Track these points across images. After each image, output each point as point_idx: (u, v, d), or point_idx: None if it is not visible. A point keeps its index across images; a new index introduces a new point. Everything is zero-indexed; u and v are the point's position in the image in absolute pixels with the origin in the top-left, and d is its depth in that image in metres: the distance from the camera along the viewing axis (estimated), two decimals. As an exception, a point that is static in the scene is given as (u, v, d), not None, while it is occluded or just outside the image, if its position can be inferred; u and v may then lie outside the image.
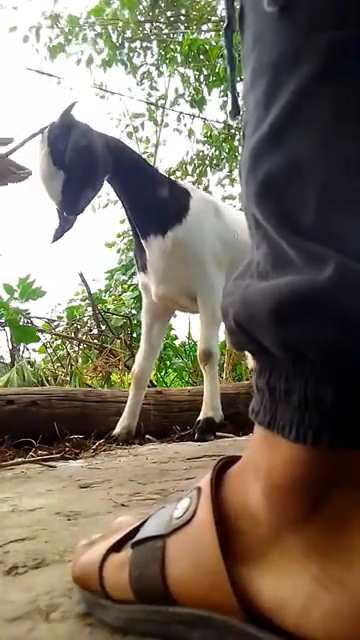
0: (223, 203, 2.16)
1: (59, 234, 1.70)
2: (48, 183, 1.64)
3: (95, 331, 4.06)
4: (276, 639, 0.29)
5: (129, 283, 4.81)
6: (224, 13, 0.41)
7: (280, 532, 0.31)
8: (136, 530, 0.40)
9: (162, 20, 5.79)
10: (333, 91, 0.29)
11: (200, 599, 0.32)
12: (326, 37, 0.28)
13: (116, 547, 0.40)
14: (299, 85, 0.29)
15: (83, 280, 4.04)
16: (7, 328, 3.15)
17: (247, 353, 2.22)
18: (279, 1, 0.30)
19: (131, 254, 3.55)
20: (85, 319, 4.32)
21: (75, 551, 0.45)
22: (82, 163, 1.63)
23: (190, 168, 6.16)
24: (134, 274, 2.08)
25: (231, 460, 0.37)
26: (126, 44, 5.59)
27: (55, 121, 1.65)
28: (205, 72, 5.67)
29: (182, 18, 5.78)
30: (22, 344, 3.35)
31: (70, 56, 5.57)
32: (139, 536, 0.38)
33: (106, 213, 6.00)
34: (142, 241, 1.81)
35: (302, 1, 0.30)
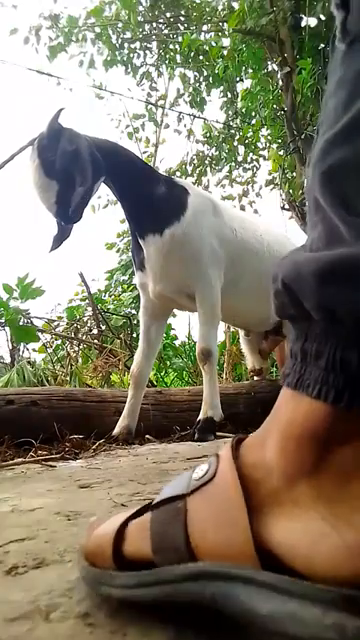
0: (222, 201, 2.15)
1: (57, 243, 1.69)
2: (42, 195, 1.63)
3: (95, 331, 4.07)
4: (286, 580, 0.30)
5: (129, 283, 4.82)
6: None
7: (293, 480, 0.33)
8: (150, 504, 0.41)
9: (162, 21, 5.79)
10: None
11: (219, 549, 0.34)
12: None
13: (136, 516, 0.41)
14: None
15: (83, 280, 4.05)
16: (7, 328, 3.15)
17: (246, 355, 2.19)
18: (346, 40, 0.37)
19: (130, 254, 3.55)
20: (85, 319, 4.32)
21: (88, 528, 0.46)
22: (72, 169, 1.61)
23: (190, 168, 6.16)
24: (134, 274, 2.08)
25: (245, 437, 0.39)
26: (126, 45, 5.60)
27: (43, 132, 1.64)
28: (205, 72, 5.67)
29: (182, 18, 5.78)
30: (22, 344, 3.35)
31: (72, 57, 5.58)
32: (157, 499, 0.40)
33: (106, 213, 6.00)
34: (140, 240, 1.80)
35: None
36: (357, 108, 0.35)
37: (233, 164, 6.10)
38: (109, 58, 5.54)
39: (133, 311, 4.13)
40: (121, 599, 0.38)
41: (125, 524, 0.41)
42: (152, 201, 1.77)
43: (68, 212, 1.62)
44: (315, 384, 0.32)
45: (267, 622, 0.30)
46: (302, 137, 4.26)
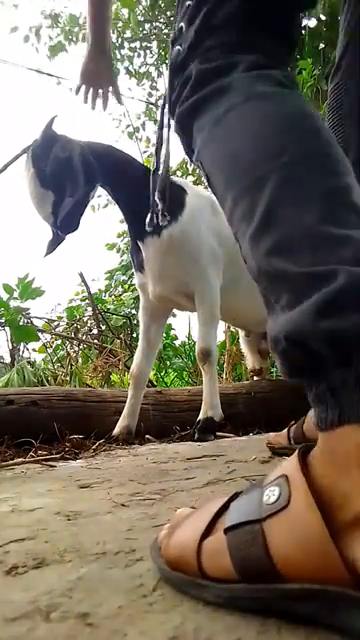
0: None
1: (52, 248, 1.67)
2: (38, 205, 1.61)
3: (95, 331, 4.07)
4: None
5: (129, 283, 4.82)
6: None
7: None
8: (218, 515, 0.44)
9: (162, 20, 5.79)
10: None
11: (311, 575, 0.36)
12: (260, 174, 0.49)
13: (207, 533, 0.43)
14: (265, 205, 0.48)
15: (83, 280, 4.05)
16: (7, 328, 3.15)
17: (246, 355, 2.19)
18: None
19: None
20: (85, 319, 4.32)
21: (162, 536, 0.48)
22: (65, 178, 1.59)
23: (191, 168, 6.16)
24: (134, 274, 2.08)
25: (305, 450, 0.41)
26: (126, 44, 5.59)
27: (36, 140, 1.62)
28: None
29: (182, 18, 5.76)
30: (22, 344, 3.35)
31: (73, 57, 5.57)
32: (230, 522, 0.41)
33: (106, 213, 6.00)
34: (138, 241, 1.80)
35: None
36: (260, 212, 0.47)
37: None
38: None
39: (133, 311, 4.13)
40: (214, 603, 0.40)
41: (200, 544, 0.43)
42: (149, 201, 1.75)
43: (65, 222, 1.60)
44: (358, 410, 0.36)
45: None
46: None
